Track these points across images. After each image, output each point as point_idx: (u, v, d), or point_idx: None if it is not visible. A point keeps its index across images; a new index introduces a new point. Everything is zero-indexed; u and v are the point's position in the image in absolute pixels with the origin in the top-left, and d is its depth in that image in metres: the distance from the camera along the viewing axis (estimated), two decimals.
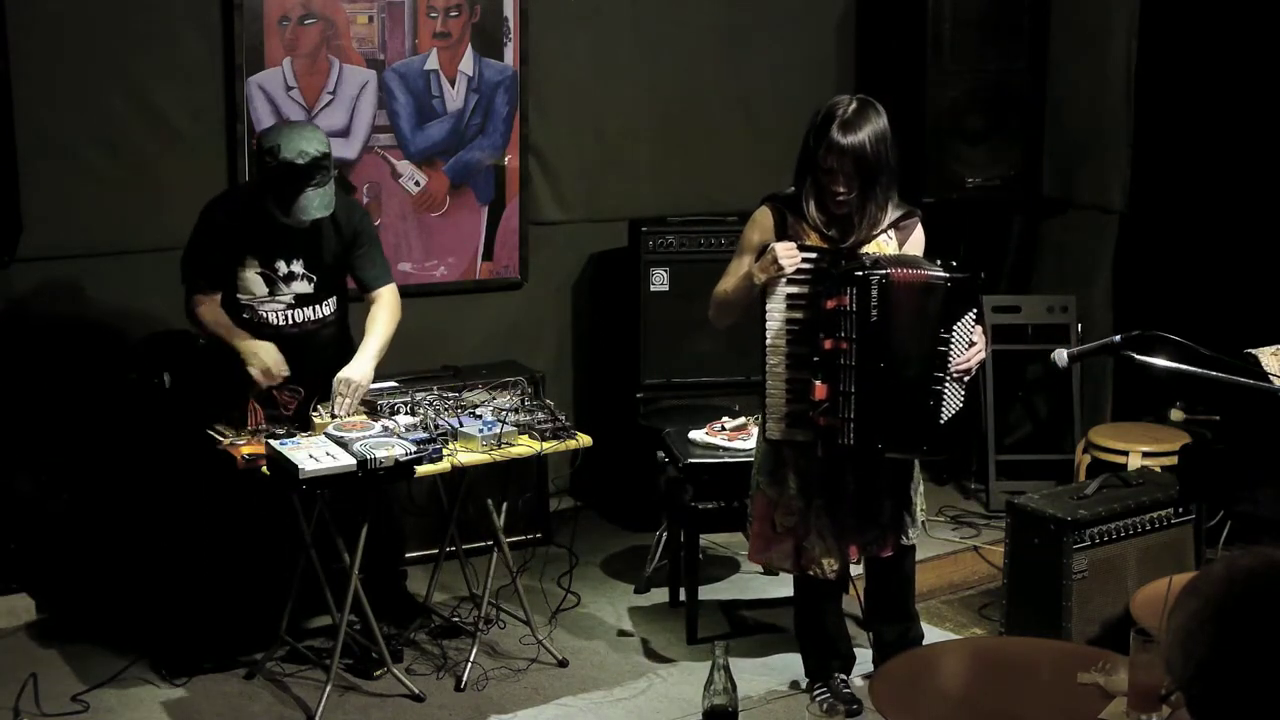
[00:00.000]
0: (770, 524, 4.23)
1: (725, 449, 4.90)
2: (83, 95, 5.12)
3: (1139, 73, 6.07)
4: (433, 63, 5.66)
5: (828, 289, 3.96)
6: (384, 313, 4.61)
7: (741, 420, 5.04)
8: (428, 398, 4.54)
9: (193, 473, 4.84)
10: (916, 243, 4.13)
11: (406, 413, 4.46)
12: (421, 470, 4.22)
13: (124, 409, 5.10)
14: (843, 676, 4.41)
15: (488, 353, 5.23)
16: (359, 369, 4.46)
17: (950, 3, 6.03)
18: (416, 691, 4.45)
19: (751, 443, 4.92)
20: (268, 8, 5.32)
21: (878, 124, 3.98)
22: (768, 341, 4.06)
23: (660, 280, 5.80)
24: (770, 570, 5.42)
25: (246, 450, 4.23)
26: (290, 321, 4.61)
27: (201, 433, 4.42)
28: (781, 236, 4.06)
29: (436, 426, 4.36)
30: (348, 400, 4.41)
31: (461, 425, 4.40)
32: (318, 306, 4.64)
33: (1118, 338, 3.62)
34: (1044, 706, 3.36)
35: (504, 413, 4.46)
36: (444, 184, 5.74)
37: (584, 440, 4.48)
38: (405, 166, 5.65)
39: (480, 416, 4.45)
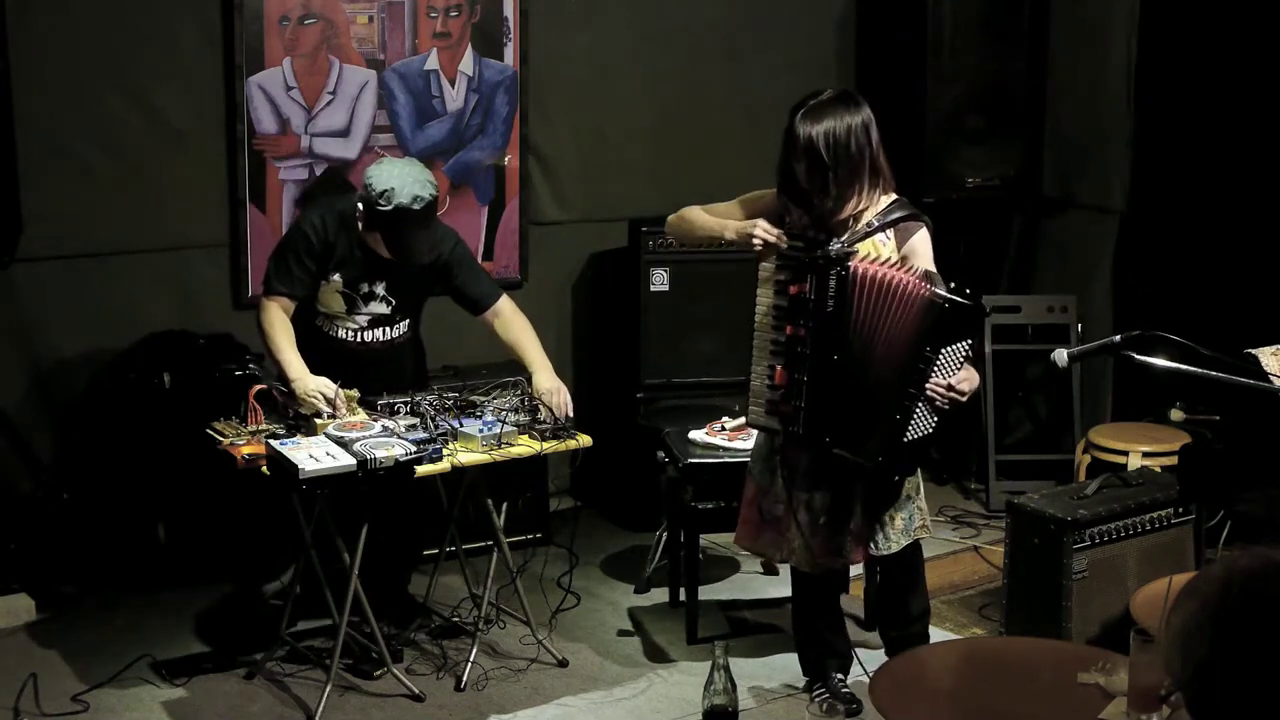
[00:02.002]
0: (757, 510, 4.26)
1: (725, 449, 4.90)
2: (83, 95, 5.12)
3: (1139, 73, 6.07)
4: (433, 63, 5.66)
5: (792, 275, 3.97)
6: (522, 324, 4.68)
7: (741, 420, 5.03)
8: (428, 398, 4.54)
9: (193, 472, 4.85)
10: (917, 248, 4.05)
11: (407, 413, 4.46)
12: (421, 470, 4.22)
13: (124, 409, 5.10)
14: (840, 676, 4.41)
15: (488, 353, 5.22)
16: (553, 379, 4.56)
17: (950, 3, 6.02)
18: (416, 691, 4.45)
19: (751, 443, 4.93)
20: (268, 8, 5.33)
21: (844, 118, 3.96)
22: (756, 326, 4.08)
23: (660, 280, 5.80)
24: (770, 569, 5.44)
25: (246, 450, 4.23)
26: (360, 340, 4.62)
27: (201, 433, 4.42)
28: (778, 217, 4.06)
29: (436, 426, 4.37)
30: (565, 404, 4.51)
31: (461, 425, 4.41)
32: (389, 328, 4.65)
33: (1118, 338, 3.61)
34: (1044, 706, 3.36)
35: (504, 413, 4.46)
36: (444, 184, 5.73)
37: (584, 440, 4.48)
38: None
39: (480, 416, 4.45)
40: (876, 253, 4.02)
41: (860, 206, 4.02)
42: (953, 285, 3.92)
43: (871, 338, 3.95)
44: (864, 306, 3.93)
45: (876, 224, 4.04)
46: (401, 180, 4.34)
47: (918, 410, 3.93)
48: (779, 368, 4.01)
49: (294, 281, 4.49)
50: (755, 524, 4.27)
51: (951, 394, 3.93)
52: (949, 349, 3.91)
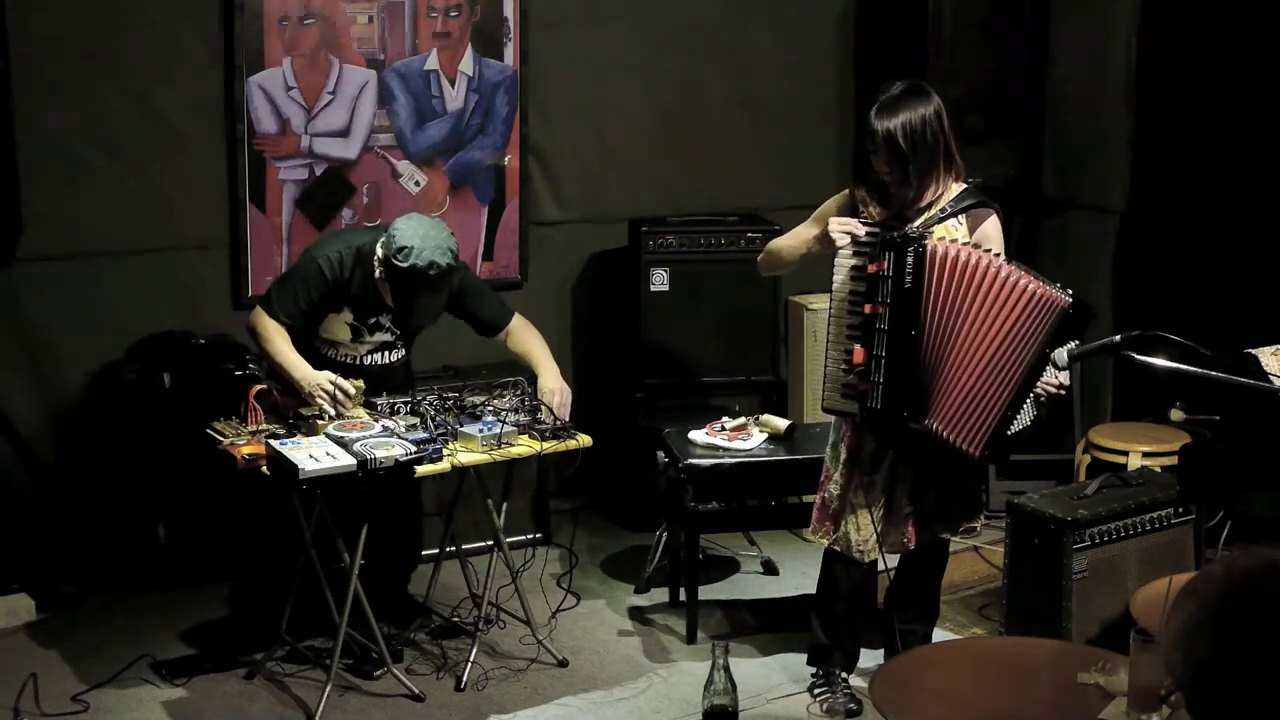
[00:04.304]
0: (822, 495, 4.33)
1: (725, 449, 4.90)
2: (83, 95, 5.12)
3: (1139, 73, 6.07)
4: (433, 63, 5.66)
5: (871, 255, 4.07)
6: (531, 335, 4.72)
7: (741, 420, 5.04)
8: (428, 398, 4.55)
9: (193, 472, 4.85)
10: (989, 233, 4.16)
11: (407, 413, 4.46)
12: (421, 470, 4.22)
13: (124, 409, 5.10)
14: (844, 675, 4.42)
15: (488, 353, 5.22)
16: (557, 380, 4.59)
17: (950, 3, 6.02)
18: (416, 691, 4.45)
19: (752, 443, 4.94)
20: (268, 8, 5.32)
21: (916, 110, 4.05)
22: (832, 312, 4.18)
23: (660, 280, 5.81)
24: (771, 569, 5.44)
25: (246, 450, 4.23)
26: (360, 365, 4.64)
27: (201, 433, 4.42)
28: (850, 214, 4.16)
29: (436, 426, 4.37)
30: (565, 405, 4.54)
31: (461, 425, 4.41)
32: (389, 353, 4.68)
33: (1118, 338, 3.61)
34: (1044, 706, 3.36)
35: (504, 413, 4.47)
36: (444, 184, 5.74)
37: (584, 440, 4.48)
38: (405, 166, 5.65)
39: (480, 417, 4.45)
40: (951, 237, 4.11)
41: (937, 194, 4.13)
42: (1058, 284, 3.99)
43: (954, 318, 4.01)
44: (944, 284, 4.00)
45: (950, 209, 4.13)
46: (424, 242, 4.32)
47: (1025, 404, 4.03)
48: (857, 347, 4.08)
49: (297, 314, 4.48)
50: (819, 508, 4.34)
51: (1060, 391, 4.06)
52: (1060, 349, 3.98)
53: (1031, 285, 3.96)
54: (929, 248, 4.00)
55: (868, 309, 4.07)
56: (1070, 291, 3.97)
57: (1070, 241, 6.46)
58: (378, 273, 4.42)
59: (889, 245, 4.03)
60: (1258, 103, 5.68)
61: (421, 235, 4.34)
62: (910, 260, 4.00)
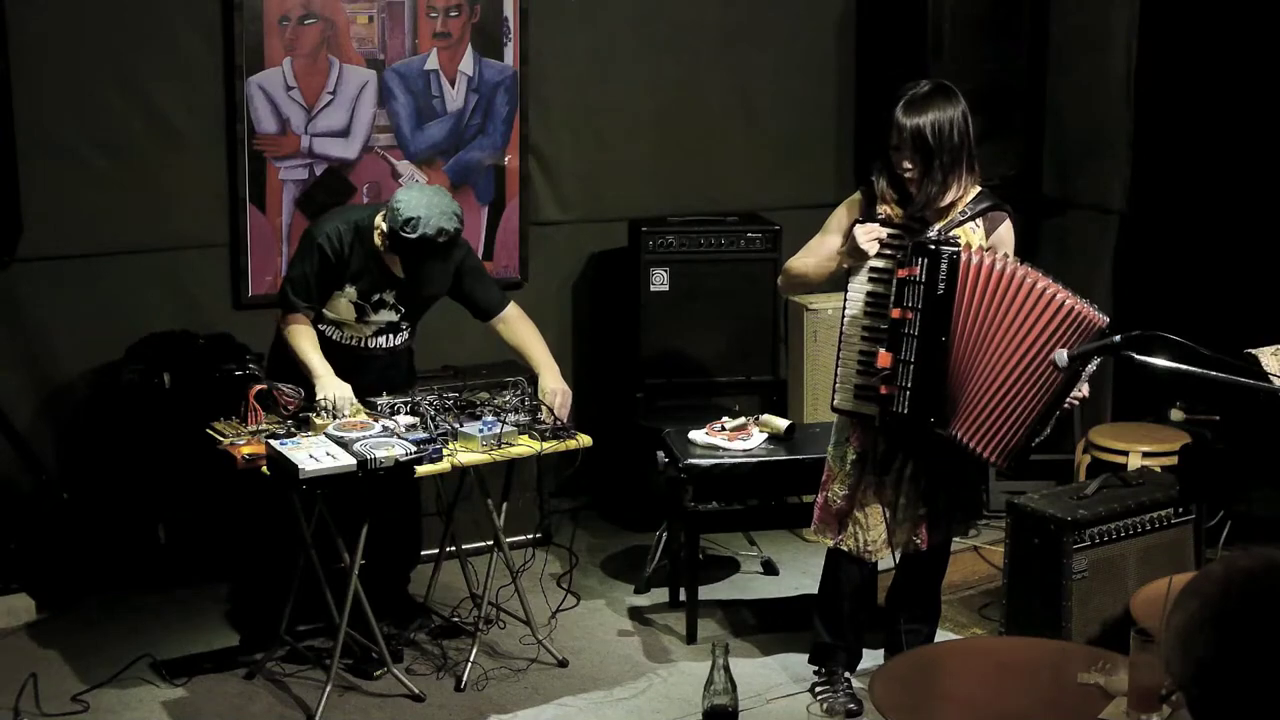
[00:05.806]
0: (825, 495, 4.32)
1: (725, 449, 4.90)
2: (83, 96, 5.12)
3: (1139, 73, 6.07)
4: (433, 63, 5.66)
5: (902, 259, 4.06)
6: (528, 328, 4.74)
7: (741, 420, 5.04)
8: (428, 398, 4.55)
9: (193, 472, 4.85)
10: (1004, 236, 4.19)
11: (407, 413, 4.46)
12: (421, 470, 4.22)
13: (124, 409, 5.10)
14: (846, 675, 4.42)
15: (488, 353, 5.23)
16: (558, 381, 4.61)
17: (950, 3, 6.02)
18: (416, 691, 4.45)
19: (752, 443, 4.94)
20: (268, 8, 5.32)
21: (945, 109, 4.07)
22: (847, 312, 4.16)
23: (660, 280, 5.80)
24: (771, 569, 5.44)
25: (246, 450, 4.23)
26: (364, 346, 4.65)
27: (201, 433, 4.42)
28: (869, 215, 4.15)
29: (436, 426, 4.37)
30: (565, 405, 4.56)
31: (461, 425, 4.41)
32: (394, 335, 4.68)
33: (1118, 338, 3.61)
34: (1044, 706, 3.36)
35: (504, 413, 4.47)
36: (444, 184, 5.73)
37: (584, 440, 4.48)
38: (405, 166, 5.65)
39: (480, 416, 4.46)
40: (969, 240, 4.12)
41: (957, 195, 4.14)
42: (1088, 300, 4.01)
43: (986, 327, 4.02)
44: (976, 292, 4.01)
45: (969, 212, 4.14)
46: (429, 210, 4.33)
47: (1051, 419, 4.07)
48: (882, 351, 4.07)
49: (312, 293, 4.51)
50: (821, 507, 4.34)
51: (1078, 404, 4.13)
52: (1061, 350, 3.99)
53: (1069, 301, 3.96)
54: (963, 255, 4.00)
55: (896, 313, 4.05)
56: (1097, 306, 3.98)
57: (1070, 241, 6.46)
58: (380, 245, 4.43)
59: (922, 250, 4.02)
60: (1257, 103, 5.68)
61: (426, 204, 4.36)
62: (944, 266, 4.00)
